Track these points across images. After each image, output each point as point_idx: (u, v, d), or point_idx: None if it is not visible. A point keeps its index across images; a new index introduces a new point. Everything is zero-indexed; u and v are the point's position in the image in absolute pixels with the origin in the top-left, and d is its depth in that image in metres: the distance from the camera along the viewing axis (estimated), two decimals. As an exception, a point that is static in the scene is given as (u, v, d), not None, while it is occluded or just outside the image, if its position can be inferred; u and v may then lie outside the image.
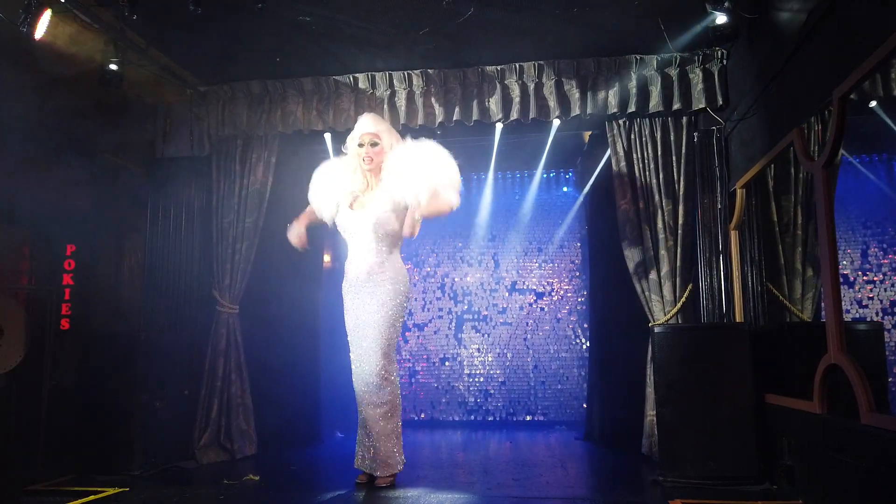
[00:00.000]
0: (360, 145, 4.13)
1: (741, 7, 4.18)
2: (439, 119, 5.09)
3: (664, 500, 3.72)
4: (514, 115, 5.02)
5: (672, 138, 4.94)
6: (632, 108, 4.90)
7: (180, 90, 5.37)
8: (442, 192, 3.91)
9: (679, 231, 4.83)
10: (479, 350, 7.40)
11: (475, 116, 5.06)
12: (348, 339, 4.16)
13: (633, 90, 4.90)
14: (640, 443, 4.88)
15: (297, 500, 3.91)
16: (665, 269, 4.79)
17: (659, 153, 4.92)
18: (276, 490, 4.14)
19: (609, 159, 5.16)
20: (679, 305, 4.74)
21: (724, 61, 4.83)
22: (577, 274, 7.42)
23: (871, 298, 6.51)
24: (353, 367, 4.08)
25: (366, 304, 4.04)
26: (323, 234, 6.38)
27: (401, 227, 4.07)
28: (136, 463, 4.52)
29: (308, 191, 4.30)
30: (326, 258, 6.67)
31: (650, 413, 4.71)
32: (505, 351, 7.42)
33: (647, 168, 4.94)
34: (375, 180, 4.18)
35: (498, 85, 5.05)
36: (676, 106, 4.85)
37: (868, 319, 6.37)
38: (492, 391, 7.31)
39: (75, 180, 5.17)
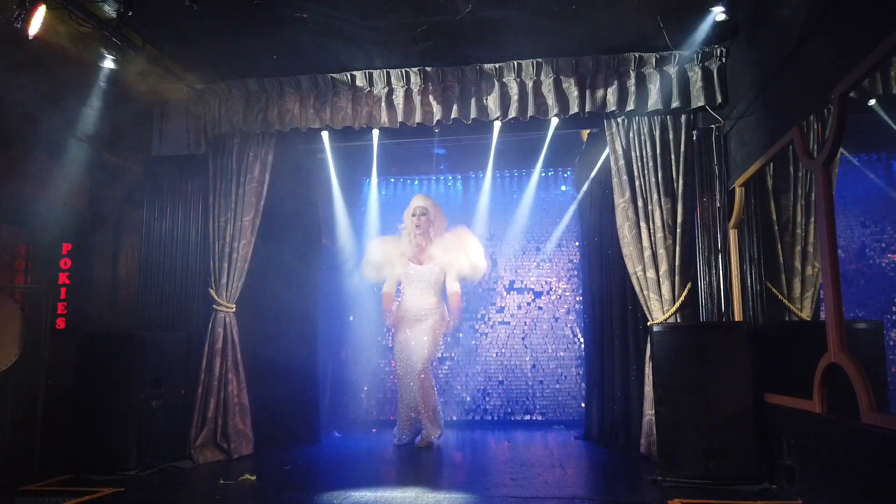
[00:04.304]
0: (414, 215, 5.87)
1: (741, 5, 4.16)
2: (437, 117, 5.07)
3: (663, 500, 3.71)
4: (513, 113, 4.99)
5: (671, 136, 4.92)
6: (630, 107, 4.89)
7: (177, 88, 5.35)
8: (471, 271, 5.93)
9: (678, 230, 4.81)
10: (477, 349, 7.37)
11: (473, 114, 5.04)
12: (399, 354, 5.82)
13: (632, 88, 4.89)
14: (639, 442, 4.86)
15: (293, 501, 3.88)
16: (664, 267, 4.78)
17: (658, 151, 4.91)
18: (273, 490, 4.11)
19: (607, 158, 5.15)
20: (678, 304, 4.72)
21: (724, 59, 4.81)
22: (576, 273, 7.39)
23: (871, 297, 6.49)
24: (401, 370, 5.78)
25: (416, 331, 5.74)
26: (321, 228, 6.37)
27: (443, 281, 5.88)
28: (131, 463, 4.50)
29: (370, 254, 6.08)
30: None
31: (649, 412, 4.69)
32: (503, 350, 7.39)
33: (645, 166, 4.92)
34: (425, 243, 5.89)
35: (496, 83, 5.03)
36: (675, 104, 4.84)
37: (867, 319, 6.36)
38: (490, 391, 7.28)
39: (71, 178, 5.14)
